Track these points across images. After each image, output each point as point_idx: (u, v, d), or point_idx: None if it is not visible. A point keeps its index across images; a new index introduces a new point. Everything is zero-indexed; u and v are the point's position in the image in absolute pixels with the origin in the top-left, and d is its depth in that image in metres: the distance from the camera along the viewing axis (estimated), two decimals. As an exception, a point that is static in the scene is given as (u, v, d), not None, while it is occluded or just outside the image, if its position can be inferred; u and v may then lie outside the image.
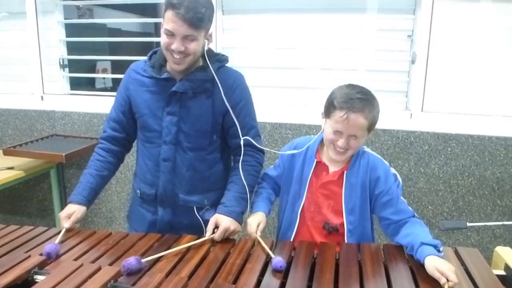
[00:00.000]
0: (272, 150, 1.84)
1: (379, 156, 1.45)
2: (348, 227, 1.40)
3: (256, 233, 1.36)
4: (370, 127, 1.35)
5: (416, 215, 1.37)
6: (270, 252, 1.26)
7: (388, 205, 1.38)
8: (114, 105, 1.58)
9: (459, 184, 2.31)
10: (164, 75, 1.45)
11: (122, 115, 1.55)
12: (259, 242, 1.33)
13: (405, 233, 1.31)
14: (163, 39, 1.37)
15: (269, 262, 1.21)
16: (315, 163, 1.44)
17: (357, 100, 1.31)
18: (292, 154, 1.49)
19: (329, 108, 1.36)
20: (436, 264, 1.13)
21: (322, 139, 1.44)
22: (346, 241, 1.40)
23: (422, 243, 1.20)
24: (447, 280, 1.09)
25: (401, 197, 1.40)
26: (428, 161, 2.33)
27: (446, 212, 2.36)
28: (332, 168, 1.43)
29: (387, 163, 1.45)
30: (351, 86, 1.36)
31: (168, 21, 1.32)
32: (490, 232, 2.32)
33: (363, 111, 1.31)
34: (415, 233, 1.28)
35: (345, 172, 1.40)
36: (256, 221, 1.39)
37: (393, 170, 1.45)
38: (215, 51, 1.54)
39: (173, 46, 1.34)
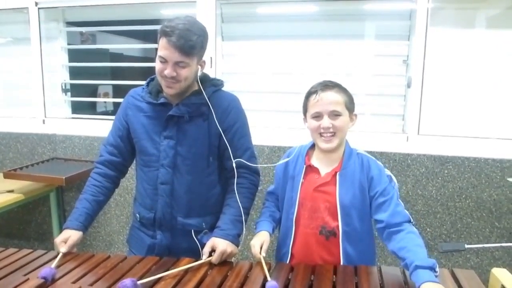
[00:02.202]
0: (268, 165, 1.84)
1: (373, 157, 1.44)
2: (343, 229, 1.37)
3: (260, 253, 1.36)
4: (348, 105, 1.39)
5: (412, 220, 1.34)
6: (268, 276, 1.26)
7: (384, 207, 1.36)
8: (112, 130, 1.61)
9: (456, 206, 2.32)
10: (161, 100, 1.48)
11: (120, 139, 1.58)
12: (261, 263, 1.33)
13: (400, 246, 1.27)
14: (157, 65, 1.42)
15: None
16: (304, 167, 1.45)
17: (327, 82, 1.41)
18: (286, 164, 1.51)
19: (305, 103, 1.44)
20: None
21: (312, 145, 1.48)
22: (341, 244, 1.38)
23: (417, 267, 1.17)
24: None
25: (398, 199, 1.38)
26: (425, 183, 2.34)
27: (445, 234, 2.36)
28: (324, 170, 1.43)
29: (381, 164, 1.44)
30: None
31: (162, 48, 1.37)
32: (489, 254, 2.32)
33: (334, 88, 1.39)
34: (410, 248, 1.24)
35: (337, 172, 1.40)
36: (259, 242, 1.40)
37: (388, 172, 1.43)
38: (214, 76, 1.57)
39: (166, 72, 1.38)
